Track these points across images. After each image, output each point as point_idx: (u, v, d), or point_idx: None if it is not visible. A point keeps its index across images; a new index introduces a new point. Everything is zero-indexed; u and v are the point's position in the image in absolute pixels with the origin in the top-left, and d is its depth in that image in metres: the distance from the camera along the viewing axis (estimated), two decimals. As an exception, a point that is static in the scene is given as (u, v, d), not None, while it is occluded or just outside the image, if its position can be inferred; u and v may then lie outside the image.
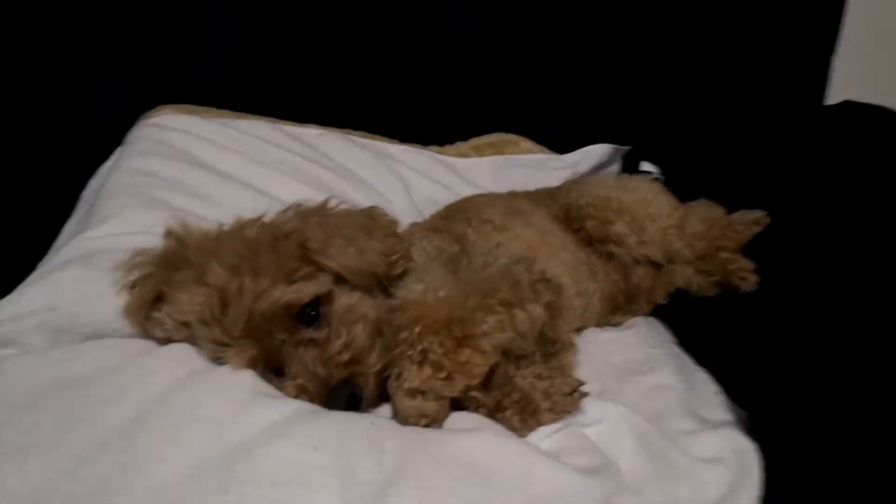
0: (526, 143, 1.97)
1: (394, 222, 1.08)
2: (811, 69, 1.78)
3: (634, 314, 1.37)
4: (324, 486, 0.73)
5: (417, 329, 0.87)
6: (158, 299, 0.93)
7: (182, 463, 0.74)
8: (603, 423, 0.94)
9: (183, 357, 0.90)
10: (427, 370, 0.86)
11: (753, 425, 0.96)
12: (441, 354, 0.86)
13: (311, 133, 1.72)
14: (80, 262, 1.01)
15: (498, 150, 1.92)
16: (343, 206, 1.08)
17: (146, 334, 0.94)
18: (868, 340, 0.97)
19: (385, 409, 0.94)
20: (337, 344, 0.91)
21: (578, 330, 1.27)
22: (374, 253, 0.99)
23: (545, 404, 0.90)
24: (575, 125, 1.97)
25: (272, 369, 0.93)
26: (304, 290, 0.92)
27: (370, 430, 0.84)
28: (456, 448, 0.82)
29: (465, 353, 0.87)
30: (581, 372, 1.10)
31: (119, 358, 0.87)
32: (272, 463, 0.75)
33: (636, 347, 1.21)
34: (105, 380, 0.82)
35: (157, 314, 0.92)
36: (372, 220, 1.04)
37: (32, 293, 0.92)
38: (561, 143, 2.00)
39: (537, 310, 0.95)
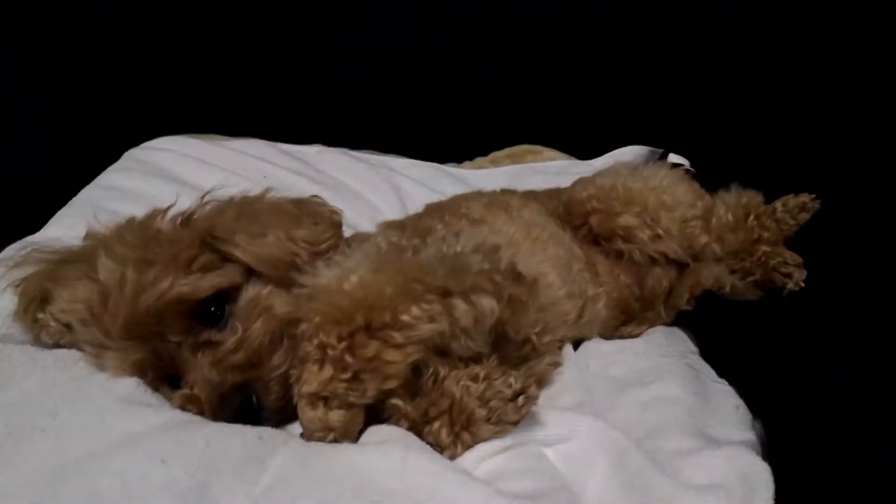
0: (550, 152, 1.81)
1: (333, 212, 0.94)
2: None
3: (652, 323, 1.14)
4: (156, 508, 0.58)
5: (316, 319, 0.71)
6: (47, 298, 0.82)
7: (9, 479, 0.61)
8: (570, 440, 0.74)
9: (64, 363, 0.78)
10: (328, 370, 0.69)
11: (771, 441, 0.72)
12: (342, 349, 0.69)
13: (311, 150, 1.64)
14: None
15: (517, 160, 1.76)
16: (277, 196, 0.94)
17: (37, 340, 0.83)
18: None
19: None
20: (230, 342, 0.76)
21: (578, 341, 1.06)
22: (296, 241, 0.85)
23: (481, 412, 0.71)
24: (602, 131, 1.80)
25: (166, 377, 0.79)
26: (201, 283, 0.78)
27: (254, 444, 0.68)
28: (347, 463, 0.64)
29: (373, 347, 0.69)
30: (560, 383, 0.91)
31: (-12, 363, 0.76)
32: (105, 479, 0.60)
33: (642, 357, 0.99)
34: (-47, 386, 0.71)
35: (41, 315, 0.81)
36: (301, 208, 0.90)
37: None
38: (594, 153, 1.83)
39: (487, 302, 0.76)
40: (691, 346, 1.05)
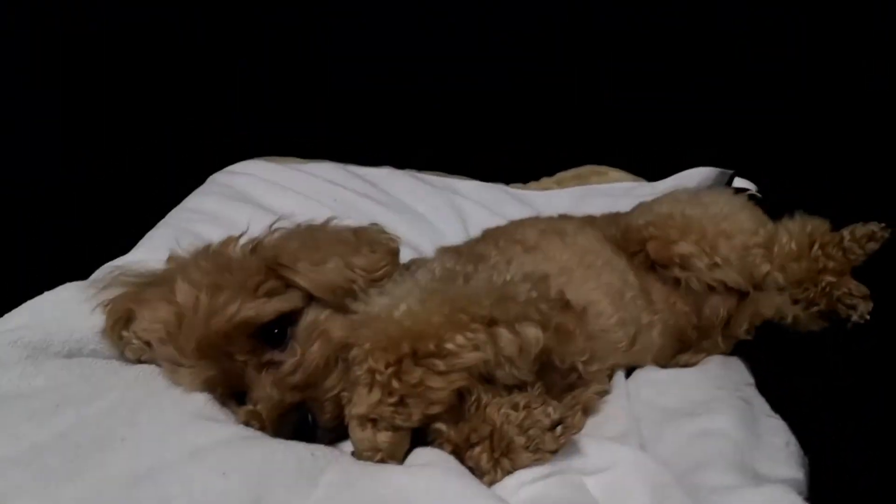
0: (616, 172, 1.80)
1: (391, 240, 0.99)
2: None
3: (709, 352, 1.13)
4: (214, 517, 0.64)
5: (367, 346, 0.76)
6: (131, 318, 0.90)
7: (89, 484, 0.68)
8: (610, 470, 0.75)
9: (145, 378, 0.86)
10: (376, 394, 0.74)
11: (816, 477, 0.72)
12: (390, 375, 0.73)
13: (380, 173, 1.70)
14: (83, 282, 1.02)
15: (583, 181, 1.77)
16: (339, 224, 1.00)
17: (121, 356, 0.91)
18: None
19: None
20: (288, 363, 0.82)
21: (631, 369, 1.06)
22: (353, 268, 0.90)
23: (520, 440, 0.73)
24: (672, 151, 1.78)
25: (234, 394, 0.86)
26: (265, 307, 0.85)
27: (308, 461, 0.73)
28: (391, 484, 0.69)
29: (417, 374, 0.73)
30: (608, 412, 0.92)
31: (77, 377, 0.85)
32: (173, 487, 0.67)
33: (695, 388, 0.99)
34: (48, 396, 0.79)
35: (125, 333, 0.89)
36: (359, 236, 0.96)
37: (23, 310, 0.94)
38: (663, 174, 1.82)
39: (532, 331, 0.79)
40: (747, 378, 1.03)
